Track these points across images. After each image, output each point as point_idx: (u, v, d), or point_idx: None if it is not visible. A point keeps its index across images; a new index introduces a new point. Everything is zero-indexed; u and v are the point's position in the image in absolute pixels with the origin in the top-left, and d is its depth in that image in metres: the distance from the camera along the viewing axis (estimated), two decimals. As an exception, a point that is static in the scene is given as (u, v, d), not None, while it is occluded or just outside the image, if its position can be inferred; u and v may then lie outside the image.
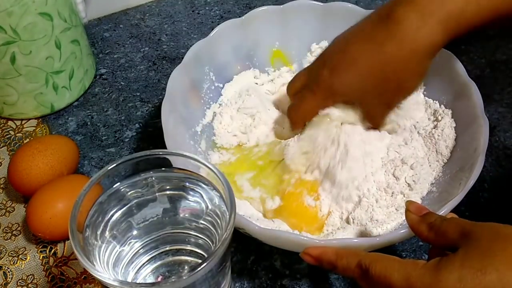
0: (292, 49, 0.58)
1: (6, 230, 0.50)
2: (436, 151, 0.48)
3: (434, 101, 0.51)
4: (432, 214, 0.36)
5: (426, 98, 0.52)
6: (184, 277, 0.30)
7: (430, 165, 0.48)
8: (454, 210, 0.39)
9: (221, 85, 0.55)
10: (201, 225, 0.38)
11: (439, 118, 0.50)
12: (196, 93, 0.53)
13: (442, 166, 0.48)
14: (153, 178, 0.37)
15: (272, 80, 0.57)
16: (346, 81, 0.45)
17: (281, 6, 0.56)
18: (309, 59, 0.57)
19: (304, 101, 0.48)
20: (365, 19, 0.47)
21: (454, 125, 0.49)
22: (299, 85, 0.50)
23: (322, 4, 0.56)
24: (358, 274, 0.35)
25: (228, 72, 0.56)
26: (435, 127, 0.50)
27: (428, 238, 0.36)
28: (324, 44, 0.57)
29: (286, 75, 0.57)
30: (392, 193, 0.46)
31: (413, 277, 0.32)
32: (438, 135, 0.49)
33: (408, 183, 0.46)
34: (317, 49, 0.57)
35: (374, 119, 0.48)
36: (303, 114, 0.49)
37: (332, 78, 0.46)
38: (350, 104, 0.47)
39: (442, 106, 0.50)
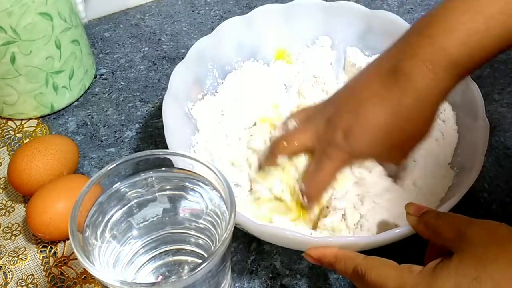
0: (296, 47, 0.58)
1: (6, 230, 0.50)
2: (438, 152, 0.48)
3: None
4: (428, 213, 0.36)
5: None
6: (184, 277, 0.30)
7: (432, 167, 0.48)
8: (454, 210, 0.39)
9: (224, 82, 0.56)
10: (201, 225, 0.38)
11: (442, 120, 0.50)
12: (198, 89, 0.53)
13: (443, 167, 0.48)
14: (153, 178, 0.37)
15: (273, 72, 0.57)
16: (365, 143, 0.43)
17: (286, 4, 0.56)
18: (311, 55, 0.57)
19: (322, 168, 0.44)
20: (369, 72, 0.45)
21: (456, 127, 0.49)
22: (301, 144, 0.46)
23: (326, 2, 0.56)
24: (355, 278, 0.35)
25: (231, 68, 0.56)
26: (438, 129, 0.50)
27: (427, 237, 0.36)
28: (324, 39, 0.57)
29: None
30: (400, 196, 0.46)
31: (407, 286, 0.32)
32: (442, 138, 0.49)
33: (414, 186, 0.47)
34: (318, 46, 0.57)
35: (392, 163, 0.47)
36: (323, 184, 0.44)
37: (348, 141, 0.43)
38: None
39: (446, 109, 0.50)
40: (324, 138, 0.44)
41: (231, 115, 0.54)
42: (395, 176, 0.47)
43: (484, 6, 0.38)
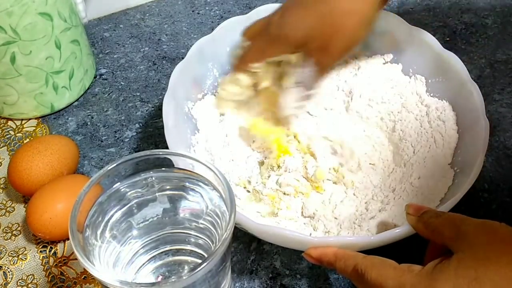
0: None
1: (6, 230, 0.50)
2: (438, 153, 0.48)
3: (438, 101, 0.51)
4: (428, 212, 0.36)
5: (429, 100, 0.52)
6: (184, 277, 0.30)
7: (432, 167, 0.48)
8: (454, 210, 0.39)
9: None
10: (201, 225, 0.38)
11: (442, 120, 0.50)
12: (198, 89, 0.53)
13: (443, 167, 0.48)
14: (153, 178, 0.37)
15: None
16: (293, 23, 0.45)
17: None
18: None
19: (253, 46, 0.48)
20: None
21: (456, 128, 0.49)
22: (254, 30, 0.50)
23: None
24: (354, 277, 0.35)
25: (231, 68, 0.56)
26: (438, 129, 0.50)
27: (427, 236, 0.36)
28: None
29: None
30: (400, 196, 0.46)
31: (407, 285, 0.32)
32: (441, 138, 0.49)
33: (414, 186, 0.47)
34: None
35: (319, 66, 0.47)
36: (249, 58, 0.48)
37: (281, 21, 0.46)
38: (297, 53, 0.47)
39: (446, 109, 0.50)
40: (266, 21, 0.48)
41: (231, 115, 0.54)
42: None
43: None
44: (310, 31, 0.45)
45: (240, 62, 0.49)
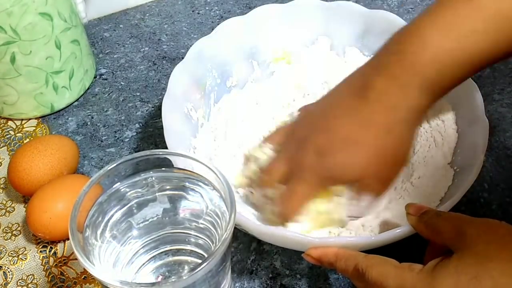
0: (295, 47, 0.58)
1: (6, 230, 0.50)
2: (438, 152, 0.48)
3: (438, 100, 0.51)
4: (428, 212, 0.36)
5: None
6: (184, 277, 0.30)
7: (432, 167, 0.48)
8: (454, 210, 0.39)
9: (223, 82, 0.55)
10: (201, 225, 0.38)
11: (442, 120, 0.50)
12: (198, 90, 0.53)
13: (443, 167, 0.48)
14: (153, 178, 0.37)
15: (272, 73, 0.57)
16: (340, 163, 0.41)
17: (286, 4, 0.56)
18: (310, 56, 0.57)
19: (295, 192, 0.43)
20: (339, 90, 0.44)
21: (456, 127, 0.49)
22: (279, 174, 0.44)
23: (325, 2, 0.56)
24: (355, 277, 0.36)
25: (230, 69, 0.56)
26: (437, 129, 0.50)
27: (427, 236, 0.36)
28: (323, 39, 0.57)
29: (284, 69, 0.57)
30: (401, 196, 0.46)
31: (407, 284, 0.32)
32: (441, 137, 0.49)
33: (414, 186, 0.47)
34: (318, 46, 0.57)
35: (373, 195, 0.43)
36: (296, 206, 0.43)
37: (321, 161, 0.41)
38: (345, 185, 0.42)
39: (445, 108, 0.50)
40: (296, 161, 0.43)
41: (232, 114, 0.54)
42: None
43: (456, 24, 0.38)
44: (367, 167, 0.41)
45: (287, 211, 0.43)
